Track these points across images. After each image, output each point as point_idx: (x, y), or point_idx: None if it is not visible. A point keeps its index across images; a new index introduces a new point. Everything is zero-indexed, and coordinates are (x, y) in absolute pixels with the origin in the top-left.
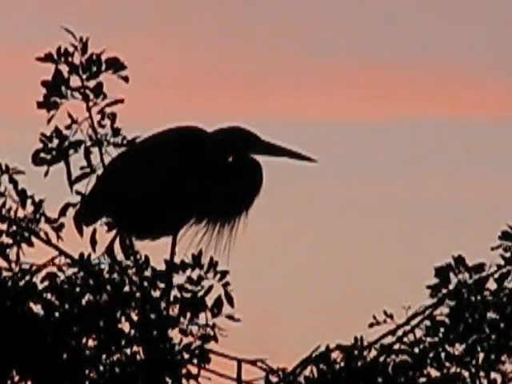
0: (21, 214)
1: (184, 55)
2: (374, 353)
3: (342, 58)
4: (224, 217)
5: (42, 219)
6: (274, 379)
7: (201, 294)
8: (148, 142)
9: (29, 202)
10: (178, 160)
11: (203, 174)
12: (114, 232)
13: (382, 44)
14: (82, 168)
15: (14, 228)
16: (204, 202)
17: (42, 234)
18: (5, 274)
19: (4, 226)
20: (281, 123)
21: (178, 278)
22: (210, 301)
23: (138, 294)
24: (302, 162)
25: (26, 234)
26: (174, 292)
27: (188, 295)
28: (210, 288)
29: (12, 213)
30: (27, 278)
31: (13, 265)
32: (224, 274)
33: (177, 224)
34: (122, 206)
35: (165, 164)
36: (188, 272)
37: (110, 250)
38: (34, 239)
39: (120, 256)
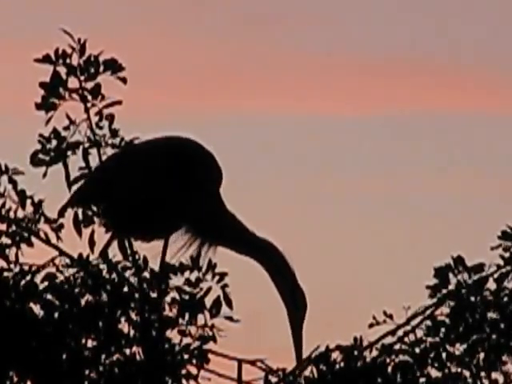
0: (20, 214)
1: (182, 56)
2: (374, 353)
3: (337, 56)
4: (208, 240)
5: (42, 219)
6: (273, 379)
7: (199, 295)
8: (140, 147)
9: (28, 202)
10: (166, 168)
11: (191, 185)
12: (109, 235)
13: (375, 41)
14: (80, 169)
15: (14, 228)
16: (192, 214)
17: (41, 234)
18: (5, 274)
19: (3, 227)
20: (279, 121)
21: (177, 280)
22: (208, 301)
23: (137, 295)
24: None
25: (26, 235)
26: (173, 294)
27: (186, 297)
28: (209, 290)
29: (12, 213)
30: (27, 278)
31: (12, 265)
32: (222, 275)
33: (165, 229)
34: (111, 206)
35: (153, 171)
36: (186, 274)
37: (104, 254)
38: (33, 239)
39: (118, 257)
